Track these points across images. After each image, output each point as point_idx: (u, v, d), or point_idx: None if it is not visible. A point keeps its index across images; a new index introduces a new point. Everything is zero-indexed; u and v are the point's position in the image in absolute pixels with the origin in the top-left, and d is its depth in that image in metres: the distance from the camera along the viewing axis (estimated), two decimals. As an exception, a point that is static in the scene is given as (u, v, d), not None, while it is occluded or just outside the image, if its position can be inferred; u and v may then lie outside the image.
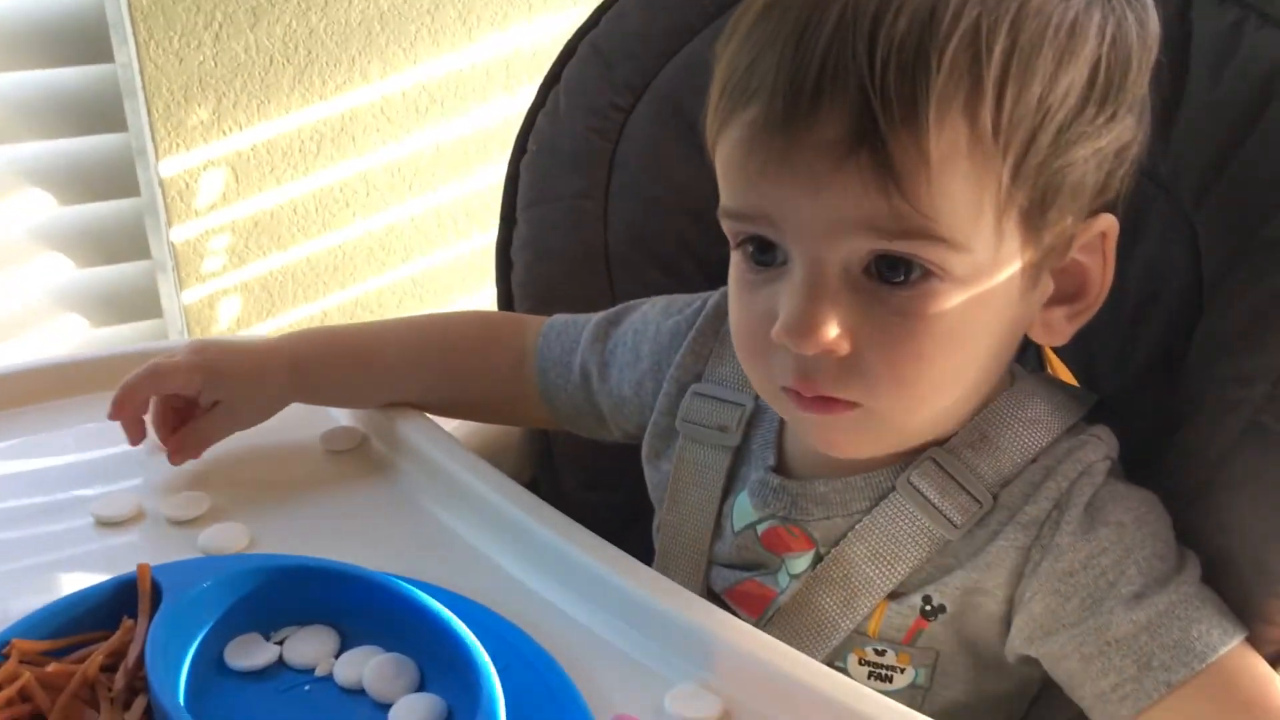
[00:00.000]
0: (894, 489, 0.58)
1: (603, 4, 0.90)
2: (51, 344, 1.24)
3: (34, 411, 0.78)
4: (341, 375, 0.73)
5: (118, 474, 0.71)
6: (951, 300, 0.51)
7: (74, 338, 1.28)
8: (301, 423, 0.74)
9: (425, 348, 0.76)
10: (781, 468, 0.62)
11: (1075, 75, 0.50)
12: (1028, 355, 0.74)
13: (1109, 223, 0.55)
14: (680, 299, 0.73)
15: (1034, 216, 0.51)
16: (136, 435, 0.70)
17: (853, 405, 0.53)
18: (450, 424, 0.93)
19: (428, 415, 0.75)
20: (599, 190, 0.88)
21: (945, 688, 0.58)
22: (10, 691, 0.49)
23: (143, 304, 1.30)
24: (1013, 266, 0.52)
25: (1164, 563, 0.55)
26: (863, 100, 0.47)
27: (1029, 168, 0.50)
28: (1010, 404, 0.58)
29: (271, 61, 1.24)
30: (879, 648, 0.58)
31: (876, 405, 0.53)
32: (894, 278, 0.51)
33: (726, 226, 0.55)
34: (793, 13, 0.50)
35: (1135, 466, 0.60)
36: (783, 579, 0.61)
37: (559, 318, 0.76)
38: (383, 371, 0.74)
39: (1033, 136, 0.49)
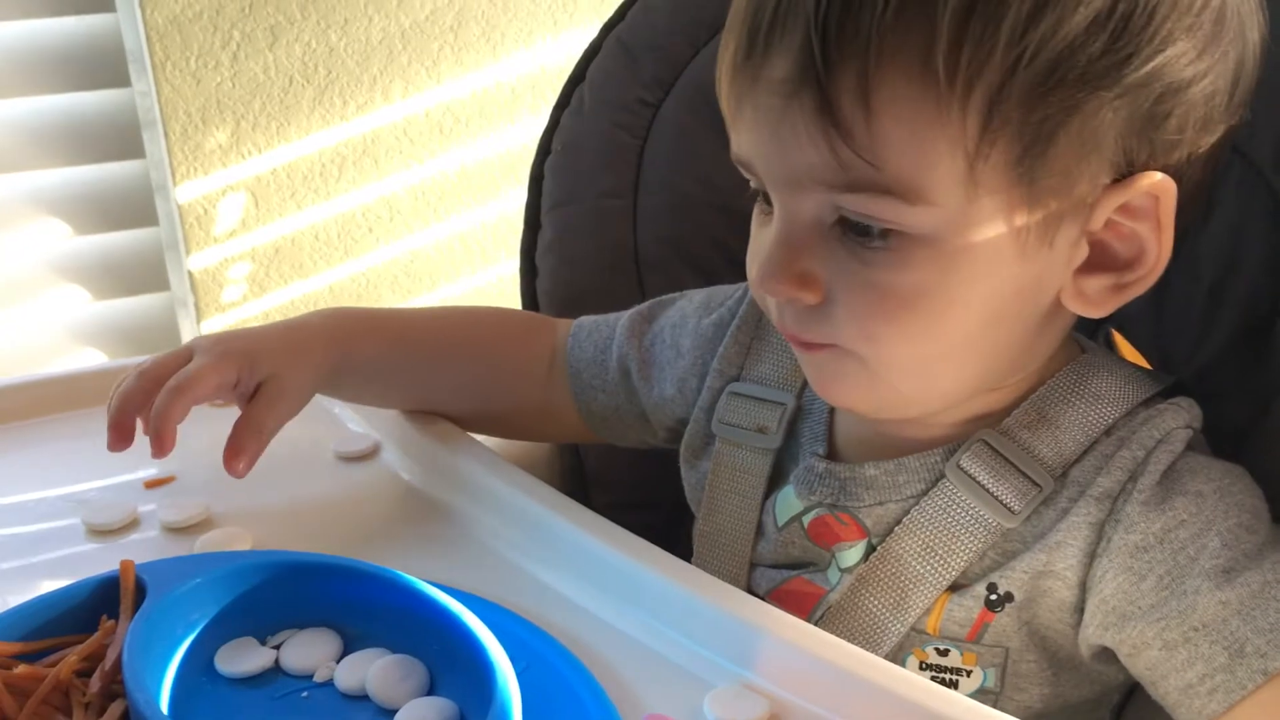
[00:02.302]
0: (945, 477, 0.53)
1: (628, 1, 0.87)
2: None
3: (33, 425, 0.75)
4: (380, 352, 0.67)
5: (114, 486, 0.67)
6: (919, 258, 0.48)
7: (90, 362, 1.25)
8: (309, 431, 0.70)
9: (461, 336, 0.71)
10: (830, 454, 0.58)
11: (1072, 8, 0.45)
12: (1095, 338, 0.69)
13: (1159, 183, 0.48)
14: (720, 291, 0.69)
15: (1026, 166, 0.46)
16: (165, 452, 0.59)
17: (828, 347, 0.52)
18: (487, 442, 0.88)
19: (449, 423, 0.70)
20: (627, 189, 0.85)
21: (1019, 690, 0.53)
22: (-25, 698, 0.44)
23: (161, 337, 1.27)
24: (996, 221, 0.47)
25: (1254, 535, 0.49)
26: (806, 37, 0.46)
27: (1006, 112, 0.45)
28: (1070, 380, 0.53)
29: (291, 82, 1.22)
30: (941, 647, 0.53)
31: (854, 350, 0.51)
32: (861, 236, 0.49)
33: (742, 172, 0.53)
34: None
35: (1219, 453, 0.54)
36: (833, 575, 0.56)
37: (586, 318, 0.72)
38: (420, 354, 0.68)
39: (1007, 77, 0.45)
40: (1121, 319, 0.67)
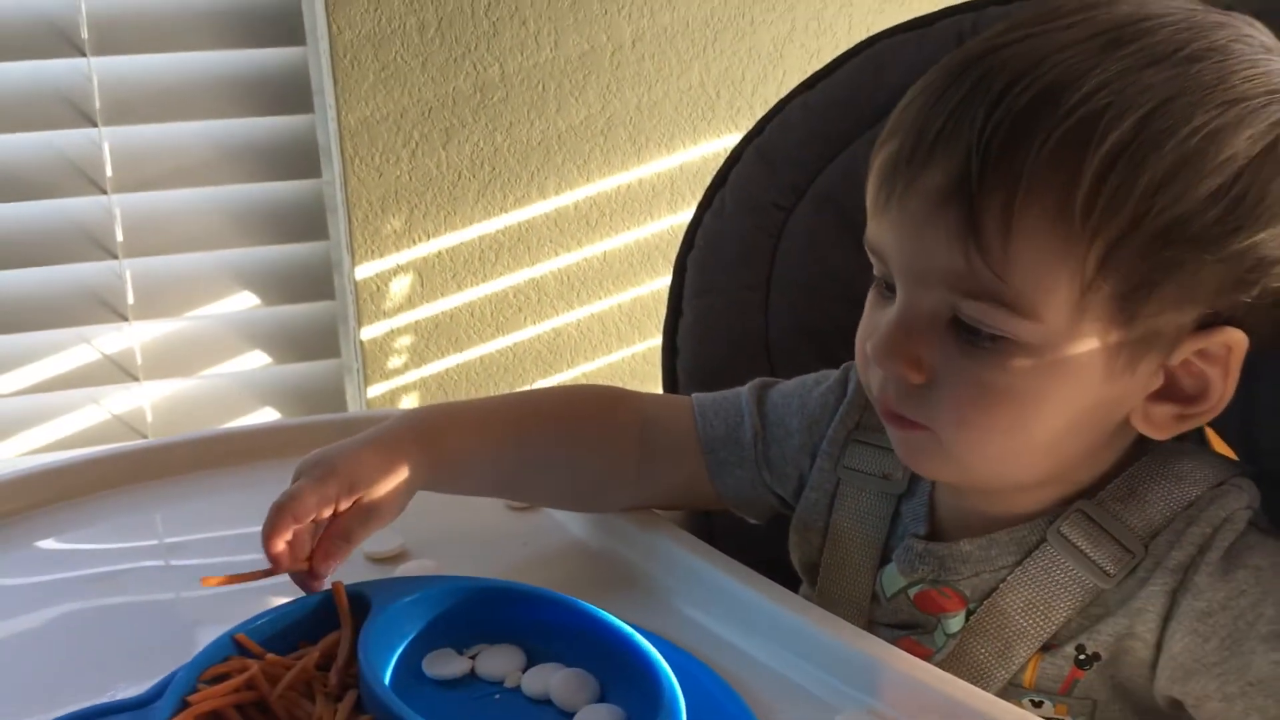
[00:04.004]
0: (1044, 540, 0.59)
1: (767, 114, 0.97)
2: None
3: (250, 469, 0.86)
4: (467, 444, 0.69)
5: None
6: (1020, 363, 0.54)
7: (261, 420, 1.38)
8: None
9: (540, 415, 0.73)
10: (931, 535, 0.64)
11: (1198, 180, 0.51)
12: (1189, 435, 0.75)
13: (1236, 338, 0.55)
14: (816, 375, 0.74)
15: (1129, 302, 0.53)
16: (317, 586, 0.63)
17: (923, 427, 0.57)
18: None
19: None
20: (761, 282, 0.93)
21: None
22: (240, 679, 0.55)
23: (330, 400, 1.40)
24: (1094, 345, 0.53)
25: None
26: (967, 157, 0.51)
27: (1124, 255, 0.51)
28: (1158, 462, 0.60)
29: (459, 177, 1.35)
30: (1036, 699, 0.59)
31: (943, 436, 0.57)
32: (971, 335, 0.55)
33: (870, 257, 0.60)
34: (950, 69, 0.54)
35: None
36: (939, 638, 0.63)
37: (703, 395, 0.75)
38: (503, 431, 0.70)
39: (1131, 228, 0.51)
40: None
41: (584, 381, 1.48)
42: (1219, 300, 0.54)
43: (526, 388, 1.46)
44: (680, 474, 0.73)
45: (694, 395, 0.75)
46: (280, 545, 0.60)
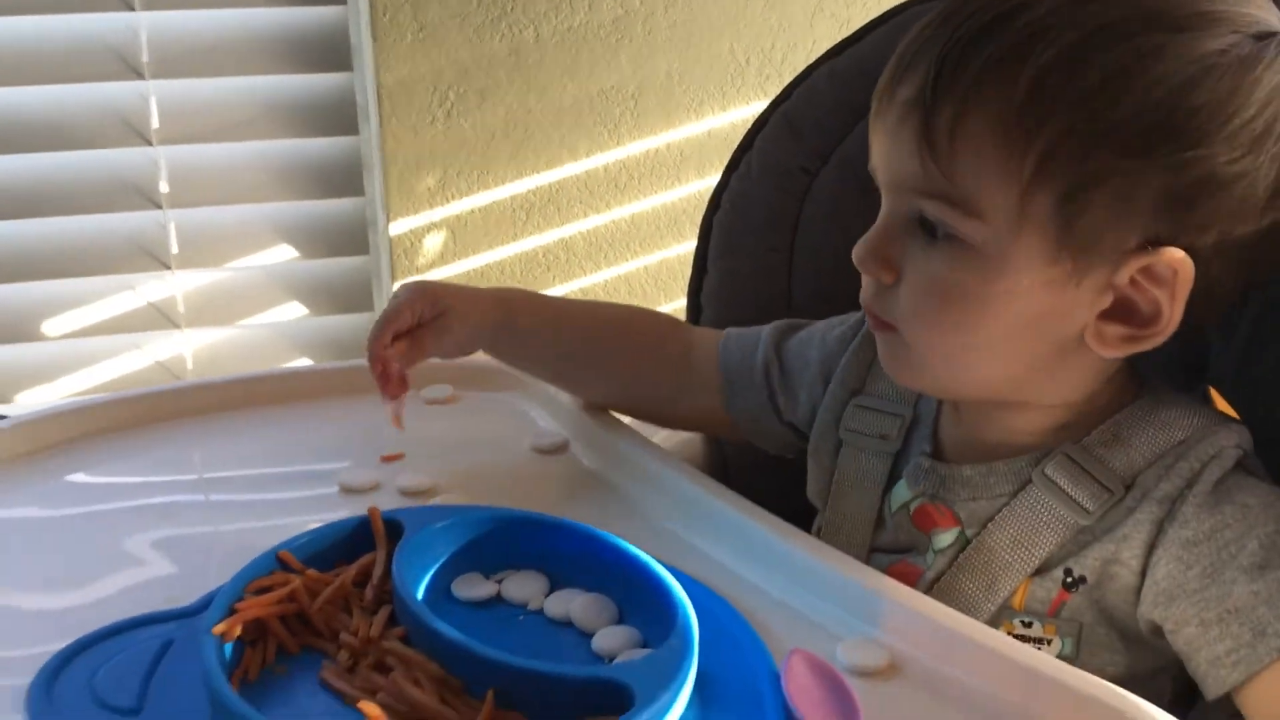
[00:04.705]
0: (1032, 481, 0.63)
1: (795, 80, 0.99)
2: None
3: (286, 409, 0.90)
4: (538, 324, 0.80)
5: (360, 458, 0.81)
6: (966, 261, 0.58)
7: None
8: (511, 428, 0.84)
9: (609, 324, 0.83)
10: (936, 452, 0.68)
11: (1131, 91, 0.55)
12: (1196, 392, 0.77)
13: (1179, 259, 0.57)
14: (841, 316, 0.79)
15: (1066, 207, 0.56)
16: (392, 391, 0.76)
17: (893, 328, 0.63)
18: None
19: (623, 421, 0.82)
20: (785, 245, 0.95)
21: (1093, 656, 0.62)
22: (283, 591, 0.59)
23: (362, 352, 1.44)
24: (1034, 250, 0.57)
25: None
26: (927, 71, 0.57)
27: (1059, 160, 0.56)
28: (1144, 409, 0.63)
29: (493, 138, 1.38)
30: (1026, 620, 0.63)
31: (906, 334, 0.62)
32: (930, 235, 0.59)
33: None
34: (939, 11, 0.60)
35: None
36: (930, 556, 0.66)
37: (735, 329, 0.81)
38: (570, 336, 0.81)
39: (1064, 134, 0.55)
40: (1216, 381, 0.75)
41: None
42: (1161, 219, 0.57)
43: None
44: (705, 399, 0.80)
45: (727, 330, 0.81)
46: (381, 347, 0.74)
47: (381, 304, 1.42)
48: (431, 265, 1.42)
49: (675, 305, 1.50)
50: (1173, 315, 0.59)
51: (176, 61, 1.31)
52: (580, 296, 1.48)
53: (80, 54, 1.29)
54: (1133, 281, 0.58)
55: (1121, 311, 0.59)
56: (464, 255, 1.42)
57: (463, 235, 1.41)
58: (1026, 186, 0.56)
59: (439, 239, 1.41)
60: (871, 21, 0.99)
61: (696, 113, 1.45)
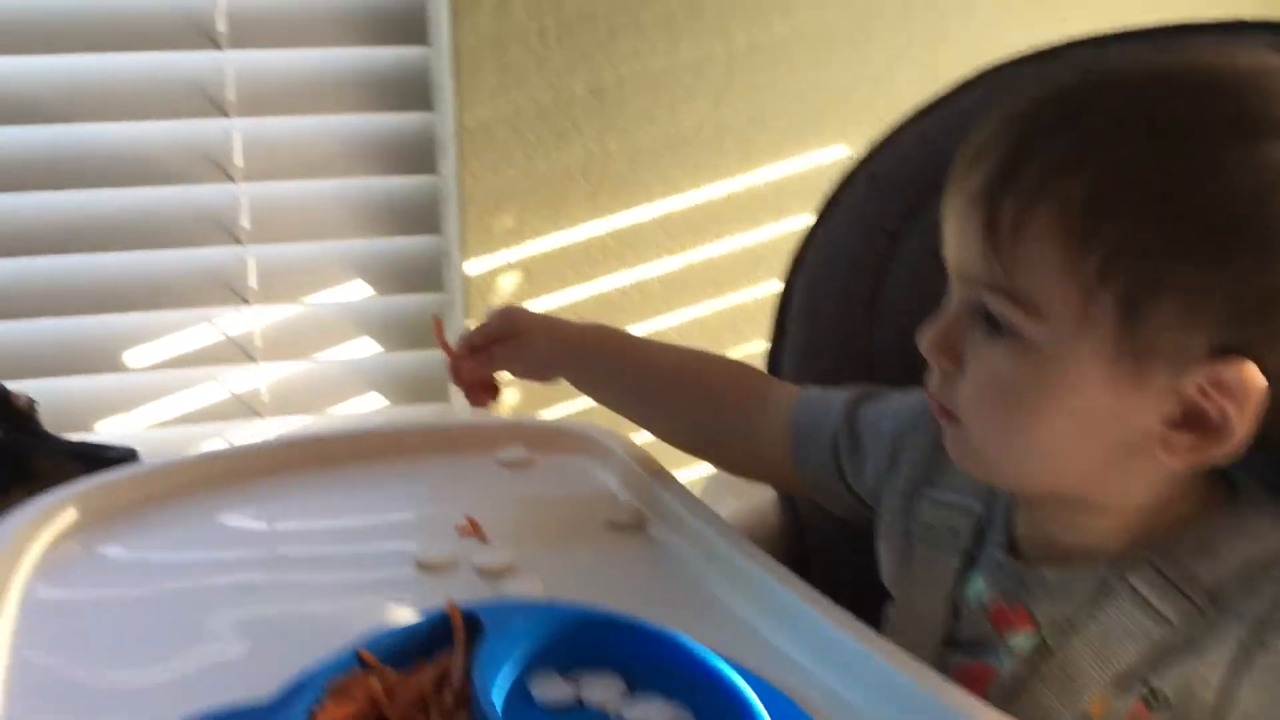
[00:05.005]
0: (1114, 586, 0.61)
1: (882, 139, 0.97)
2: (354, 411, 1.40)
3: (362, 469, 0.90)
4: (616, 358, 0.85)
5: (436, 528, 0.80)
6: (1027, 359, 0.58)
7: (371, 408, 1.44)
8: (587, 505, 0.83)
9: (684, 364, 0.86)
10: (1012, 549, 0.67)
11: (1200, 199, 0.54)
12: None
13: (1248, 374, 0.55)
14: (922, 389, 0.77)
15: (1130, 311, 0.55)
16: (476, 399, 0.88)
17: (954, 417, 0.62)
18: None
19: (704, 502, 0.81)
20: (867, 306, 0.94)
21: None
22: (363, 704, 0.58)
23: (435, 389, 1.44)
24: (1096, 353, 0.56)
25: None
26: (995, 164, 0.58)
27: (1123, 264, 0.55)
28: (1234, 518, 0.61)
29: (571, 179, 1.38)
30: None
31: (967, 426, 0.62)
32: (994, 328, 0.59)
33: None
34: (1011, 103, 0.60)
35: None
36: (1005, 658, 0.64)
37: (813, 389, 0.82)
38: (645, 376, 0.85)
39: (1129, 238, 0.55)
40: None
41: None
42: (1230, 329, 0.55)
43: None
44: (775, 452, 0.80)
45: (806, 388, 0.82)
46: (456, 357, 0.86)
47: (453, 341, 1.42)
48: (506, 304, 1.41)
49: (750, 349, 1.48)
50: (1241, 429, 0.57)
51: (261, 99, 1.32)
52: (655, 338, 1.47)
53: (167, 91, 1.31)
54: (1200, 389, 0.57)
55: (1189, 419, 0.58)
56: (538, 295, 1.42)
57: (538, 275, 1.41)
58: (1089, 288, 0.56)
59: (514, 279, 1.41)
60: (963, 82, 0.97)
61: (775, 156, 1.43)
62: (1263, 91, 0.56)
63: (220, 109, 1.31)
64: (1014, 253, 0.57)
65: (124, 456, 0.95)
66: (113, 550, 0.76)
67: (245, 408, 1.41)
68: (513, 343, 0.84)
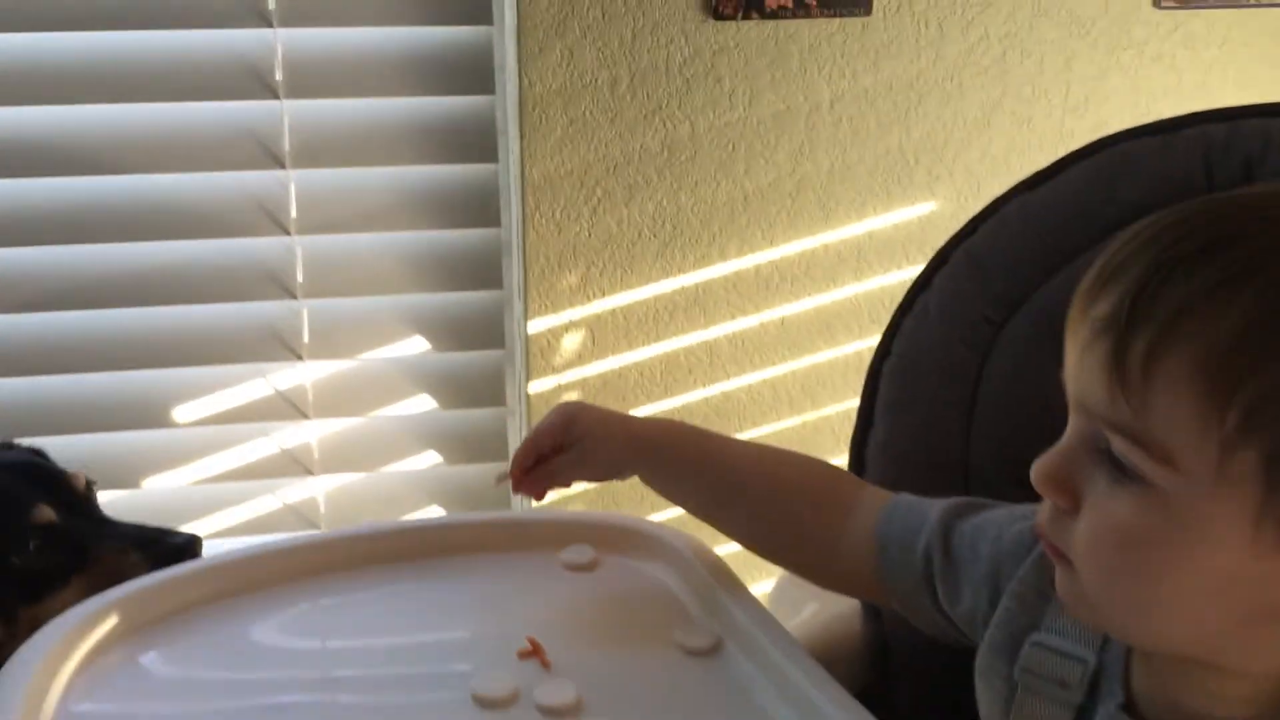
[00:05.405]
0: None
1: (981, 214, 0.90)
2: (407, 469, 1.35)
3: (418, 568, 0.84)
4: (686, 462, 0.80)
5: (494, 648, 0.74)
6: (1155, 510, 0.52)
7: (425, 465, 1.38)
8: (657, 622, 0.77)
9: (762, 468, 0.80)
10: (1130, 708, 0.60)
11: None
12: None
13: None
14: (1027, 508, 0.70)
15: (1275, 469, 0.49)
16: (529, 490, 0.83)
17: (1066, 559, 0.56)
18: (789, 625, 0.92)
19: (781, 625, 0.75)
20: (964, 404, 0.87)
21: None
22: None
23: (493, 447, 1.39)
24: (1236, 512, 0.50)
25: None
26: (1127, 291, 0.52)
27: (1266, 420, 0.49)
28: None
29: (640, 235, 1.32)
30: None
31: (1081, 573, 0.56)
32: (1119, 474, 0.53)
33: None
34: (1159, 214, 0.54)
35: None
36: None
37: (905, 496, 0.76)
38: (718, 477, 0.80)
39: (1275, 389, 0.49)
40: None
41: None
42: None
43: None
44: (859, 564, 0.75)
45: (898, 494, 0.76)
46: (520, 471, 0.81)
47: (515, 400, 1.37)
48: (569, 365, 1.36)
49: (823, 413, 1.41)
50: None
51: (318, 150, 1.28)
52: (722, 400, 1.41)
53: (223, 141, 1.27)
54: None
55: None
56: (603, 355, 1.36)
57: (603, 334, 1.35)
58: (1228, 441, 0.50)
59: (578, 338, 1.35)
60: (1074, 153, 0.90)
61: (858, 213, 1.36)
62: None
63: (276, 160, 1.26)
64: (1144, 392, 0.51)
65: (187, 544, 0.92)
66: (153, 661, 0.72)
67: (297, 464, 1.37)
68: (576, 449, 0.80)
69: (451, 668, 0.73)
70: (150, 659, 0.72)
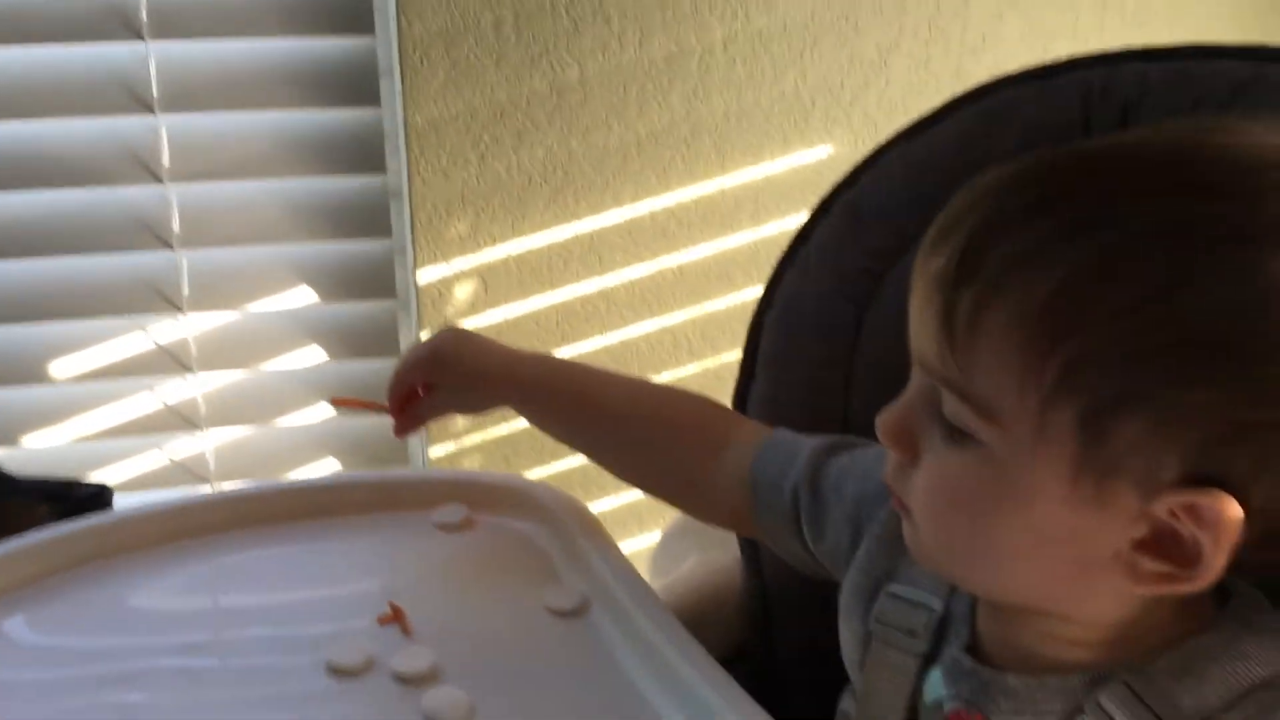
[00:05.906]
0: (1083, 708, 0.55)
1: (862, 163, 0.88)
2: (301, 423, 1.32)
3: (283, 532, 0.82)
4: (564, 395, 0.81)
5: (355, 609, 0.73)
6: (981, 466, 0.53)
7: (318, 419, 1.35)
8: (526, 583, 0.75)
9: (639, 407, 0.80)
10: (976, 650, 0.61)
11: (1170, 314, 0.48)
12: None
13: (1224, 505, 0.49)
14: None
15: (1092, 426, 0.50)
16: (400, 433, 0.85)
17: (908, 510, 0.58)
18: (670, 579, 0.92)
19: (653, 588, 0.74)
20: (843, 359, 0.86)
21: None
22: None
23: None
24: (1055, 468, 0.51)
25: None
26: (955, 249, 0.52)
27: (1085, 375, 0.49)
28: (1222, 637, 0.54)
29: (530, 181, 1.28)
30: None
31: (919, 524, 0.57)
32: (952, 430, 0.54)
33: None
34: (1004, 166, 0.54)
35: None
36: None
37: (782, 434, 0.76)
38: (594, 416, 0.80)
39: (1093, 347, 0.49)
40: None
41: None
42: (1204, 456, 0.49)
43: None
44: (734, 500, 0.75)
45: (775, 430, 0.76)
46: (396, 401, 0.83)
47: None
48: (461, 315, 1.33)
49: (723, 360, 1.40)
50: (1214, 562, 0.50)
51: (189, 93, 1.22)
52: (621, 348, 1.39)
53: (87, 85, 1.21)
54: (1172, 514, 0.50)
55: (1160, 544, 0.51)
56: (496, 304, 1.33)
57: (496, 284, 1.32)
58: (1047, 397, 0.50)
59: (470, 287, 1.32)
60: (954, 100, 0.88)
61: (754, 157, 1.33)
62: (1256, 190, 0.49)
63: (145, 104, 1.21)
64: (970, 350, 0.51)
65: (95, 494, 0.91)
66: (17, 627, 0.70)
67: (183, 420, 1.33)
68: (448, 388, 0.82)
69: (309, 632, 0.71)
70: (13, 625, 0.70)
